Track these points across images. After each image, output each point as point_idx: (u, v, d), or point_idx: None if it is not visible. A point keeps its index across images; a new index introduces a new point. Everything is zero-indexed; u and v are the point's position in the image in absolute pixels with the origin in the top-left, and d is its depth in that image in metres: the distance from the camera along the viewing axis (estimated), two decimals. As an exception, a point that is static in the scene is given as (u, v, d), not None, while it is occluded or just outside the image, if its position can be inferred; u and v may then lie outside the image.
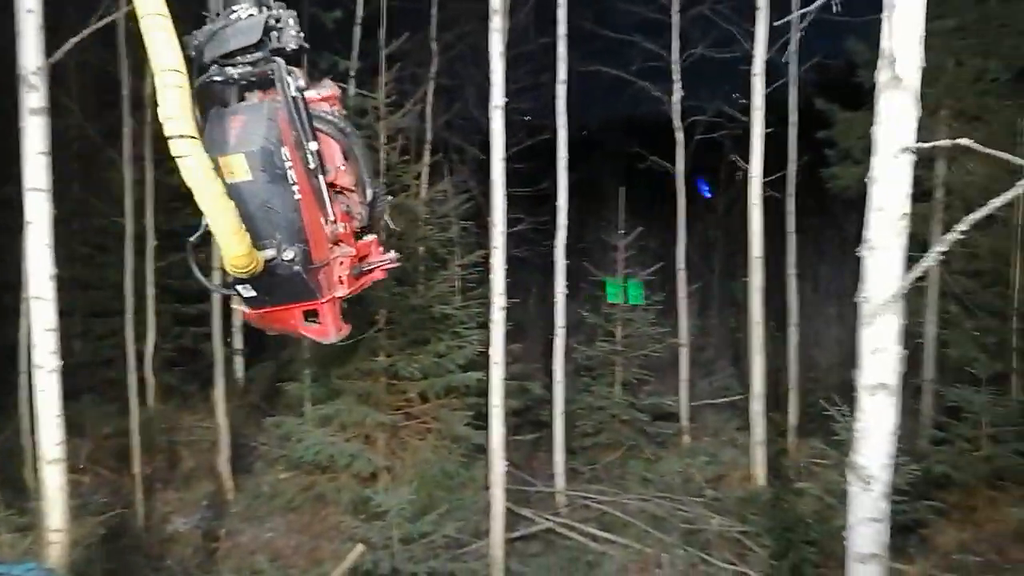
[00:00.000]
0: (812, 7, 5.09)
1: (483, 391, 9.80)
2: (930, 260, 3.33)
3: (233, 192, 2.86)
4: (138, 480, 10.53)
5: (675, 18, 13.41)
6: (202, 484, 11.37)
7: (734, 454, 12.48)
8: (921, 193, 12.61)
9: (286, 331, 3.53)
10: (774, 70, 11.59)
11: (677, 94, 13.56)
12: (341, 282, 3.48)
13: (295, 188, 3.03)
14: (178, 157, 2.53)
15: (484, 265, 10.21)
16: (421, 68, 14.75)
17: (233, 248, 2.71)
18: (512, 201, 11.58)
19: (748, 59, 10.78)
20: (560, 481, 11.05)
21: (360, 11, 13.44)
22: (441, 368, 10.40)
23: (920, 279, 11.28)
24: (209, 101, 3.15)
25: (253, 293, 3.11)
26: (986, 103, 11.85)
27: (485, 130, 9.74)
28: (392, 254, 3.90)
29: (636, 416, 12.75)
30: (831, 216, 17.71)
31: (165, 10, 2.50)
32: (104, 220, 13.75)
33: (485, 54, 8.39)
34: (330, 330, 3.40)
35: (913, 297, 12.54)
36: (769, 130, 10.80)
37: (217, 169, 2.80)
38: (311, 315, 3.38)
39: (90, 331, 14.36)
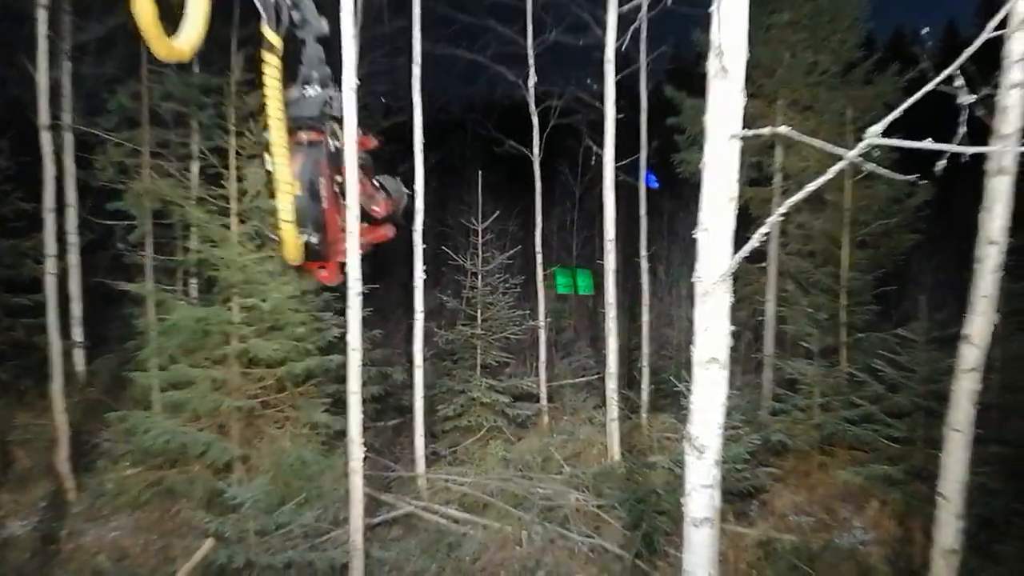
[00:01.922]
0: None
1: (342, 377, 9.67)
2: (755, 241, 3.50)
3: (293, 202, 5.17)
4: (-35, 484, 9.78)
5: (528, 3, 13.50)
6: (40, 485, 10.62)
7: (591, 431, 12.85)
8: (763, 178, 13.32)
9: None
10: (626, 58, 11.90)
11: (532, 79, 13.69)
12: (342, 253, 6.17)
13: (323, 203, 5.38)
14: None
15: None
16: (274, 49, 14.20)
17: (292, 254, 5.08)
18: (369, 184, 11.41)
19: (601, 46, 11.02)
20: (421, 465, 11.03)
21: (210, -12, 12.78)
22: (299, 354, 10.14)
23: (760, 260, 12.01)
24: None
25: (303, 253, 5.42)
26: (817, 94, 12.63)
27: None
28: (390, 232, 7.09)
29: (497, 398, 12.87)
30: (682, 200, 18.43)
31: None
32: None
33: (337, 35, 8.18)
34: (332, 277, 5.96)
35: (757, 277, 13.30)
36: (620, 116, 11.08)
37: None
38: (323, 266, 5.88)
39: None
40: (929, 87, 2.78)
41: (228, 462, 9.74)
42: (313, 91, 6.09)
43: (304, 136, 5.75)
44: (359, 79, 7.95)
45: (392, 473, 11.36)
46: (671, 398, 12.92)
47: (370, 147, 7.03)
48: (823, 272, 12.08)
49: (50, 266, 10.59)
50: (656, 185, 18.79)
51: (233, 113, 10.13)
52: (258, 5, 5.79)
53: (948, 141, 2.87)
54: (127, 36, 12.37)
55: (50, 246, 10.60)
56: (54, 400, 10.38)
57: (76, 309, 13.96)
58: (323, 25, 9.62)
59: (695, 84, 12.34)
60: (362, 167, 6.77)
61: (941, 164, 2.84)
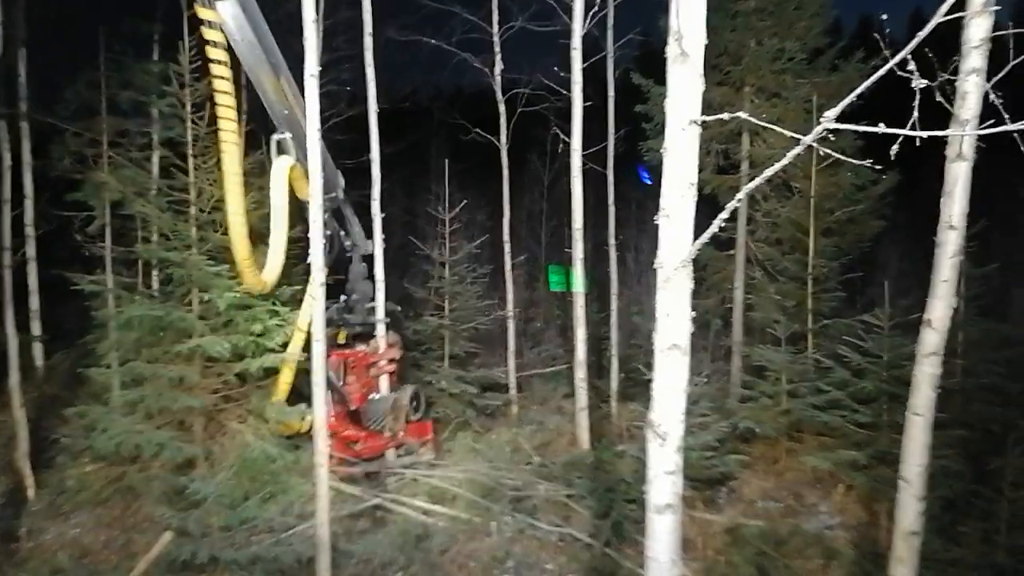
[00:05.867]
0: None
1: (306, 370, 9.53)
2: (714, 227, 3.47)
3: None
4: (-81, 483, 9.54)
5: (494, -12, 13.36)
6: (-2, 481, 10.44)
7: (560, 421, 12.85)
8: (731, 166, 13.32)
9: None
10: (594, 45, 11.82)
11: (498, 66, 13.57)
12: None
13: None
14: None
15: (304, 240, 9.89)
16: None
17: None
18: (335, 173, 11.25)
19: (567, 32, 10.93)
20: (389, 457, 10.96)
21: (161, -30, 12.50)
22: (260, 348, 9.99)
23: (729, 248, 11.99)
24: None
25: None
26: (783, 80, 12.63)
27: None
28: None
29: (465, 389, 12.81)
30: (651, 188, 18.43)
31: None
32: None
33: (299, 20, 8.01)
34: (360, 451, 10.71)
35: (725, 264, 13.32)
36: (588, 103, 11.00)
37: None
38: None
39: None
40: (882, 72, 2.77)
41: (191, 458, 9.59)
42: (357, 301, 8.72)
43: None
44: (320, 66, 7.82)
45: (359, 465, 11.25)
46: (641, 387, 12.90)
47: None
48: (790, 259, 12.11)
49: (6, 259, 10.35)
50: (650, 181, 18.77)
51: (188, 98, 9.91)
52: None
53: (917, 128, 2.85)
54: (85, 22, 12.11)
55: (6, 238, 10.35)
56: (12, 395, 10.15)
57: (34, 302, 13.68)
58: (369, 246, 11.20)
59: (663, 71, 12.35)
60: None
61: (894, 148, 2.83)
